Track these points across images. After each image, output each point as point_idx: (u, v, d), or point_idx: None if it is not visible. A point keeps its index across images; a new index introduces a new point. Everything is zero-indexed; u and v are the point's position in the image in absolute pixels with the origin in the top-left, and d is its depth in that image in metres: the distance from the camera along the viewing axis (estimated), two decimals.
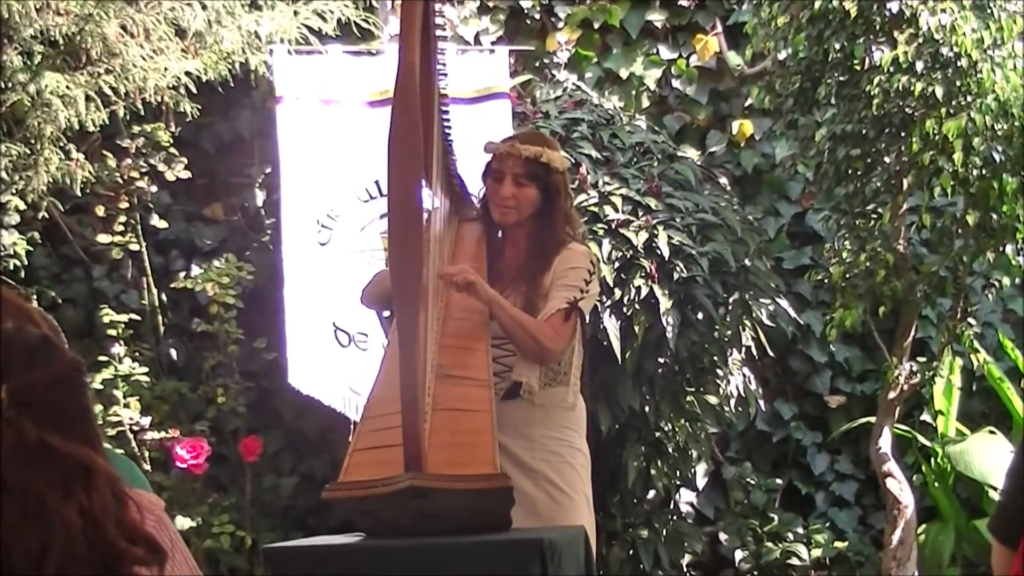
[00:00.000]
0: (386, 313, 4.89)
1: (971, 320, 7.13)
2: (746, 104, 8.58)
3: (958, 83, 6.57)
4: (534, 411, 4.70)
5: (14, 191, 6.94)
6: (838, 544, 8.18)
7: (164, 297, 7.83)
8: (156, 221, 7.80)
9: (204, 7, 6.94)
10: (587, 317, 4.89)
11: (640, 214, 6.78)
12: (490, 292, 4.56)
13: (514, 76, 7.75)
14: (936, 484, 8.05)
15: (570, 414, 4.78)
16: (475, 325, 4.57)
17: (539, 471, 4.68)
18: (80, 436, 2.04)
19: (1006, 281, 7.23)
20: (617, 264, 6.65)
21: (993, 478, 7.44)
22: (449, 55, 4.91)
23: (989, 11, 6.67)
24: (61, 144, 6.94)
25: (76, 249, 7.71)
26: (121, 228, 7.63)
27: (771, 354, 7.57)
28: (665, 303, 6.59)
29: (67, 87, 6.71)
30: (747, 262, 7.00)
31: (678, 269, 6.65)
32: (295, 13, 7.16)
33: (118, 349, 7.44)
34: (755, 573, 8.07)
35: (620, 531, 7.28)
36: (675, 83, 8.63)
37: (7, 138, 6.86)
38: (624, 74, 8.52)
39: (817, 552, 8.10)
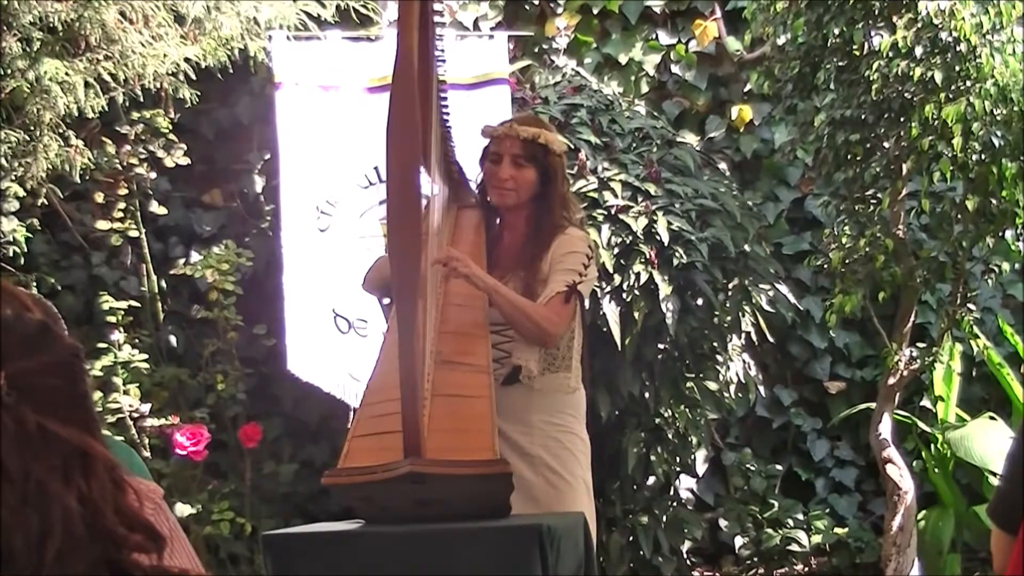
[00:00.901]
0: (386, 300, 4.89)
1: (971, 305, 7.13)
2: (745, 89, 8.58)
3: (957, 68, 6.56)
4: (533, 397, 4.70)
5: (13, 178, 6.93)
6: (838, 530, 8.18)
7: (163, 284, 7.83)
8: (155, 207, 7.80)
9: None
10: (587, 302, 4.89)
11: (639, 200, 6.78)
12: (488, 281, 4.56)
13: (513, 62, 7.75)
14: (936, 470, 8.05)
15: (569, 399, 4.78)
16: (474, 312, 4.58)
17: (538, 457, 4.68)
18: (79, 422, 2.04)
19: (1006, 266, 7.23)
20: (616, 250, 6.65)
21: (993, 464, 7.44)
22: (448, 41, 4.91)
23: None
24: (60, 131, 6.94)
25: (75, 236, 7.71)
26: (120, 215, 7.63)
27: (771, 340, 7.56)
28: (665, 289, 6.59)
29: (66, 74, 6.71)
30: (746, 248, 7.00)
31: (677, 255, 6.65)
32: None
33: (117, 336, 7.44)
34: (755, 559, 8.08)
35: (620, 517, 7.28)
36: (674, 68, 8.62)
37: (6, 125, 6.85)
38: (623, 59, 8.52)
39: (817, 538, 8.11)
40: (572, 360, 4.78)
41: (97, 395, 7.05)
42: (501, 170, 4.79)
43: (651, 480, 7.45)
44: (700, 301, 6.87)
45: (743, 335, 7.18)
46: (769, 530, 8.08)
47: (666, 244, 6.63)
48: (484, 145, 4.89)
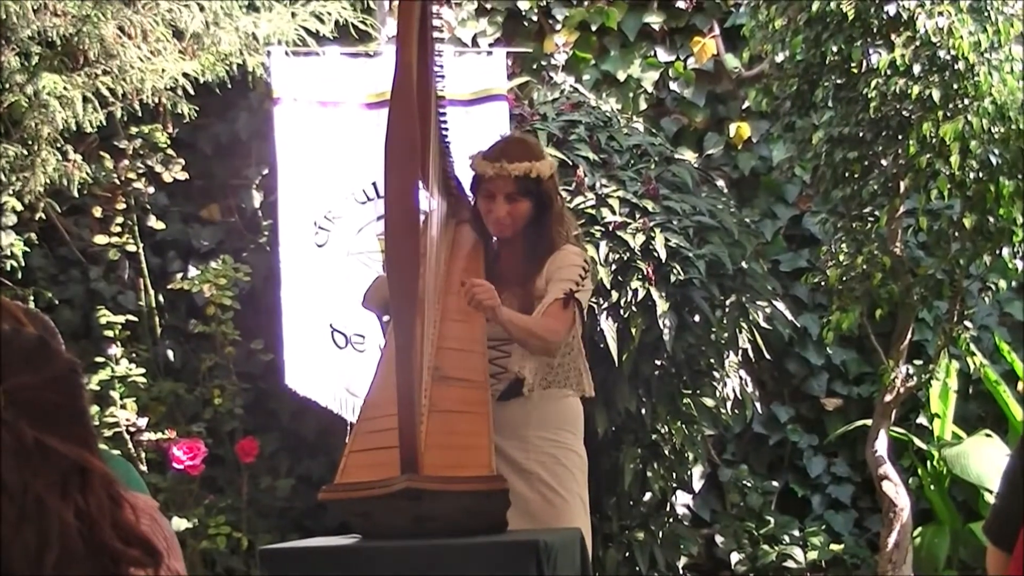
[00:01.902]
0: (386, 318, 4.89)
1: (967, 323, 7.13)
2: (743, 107, 8.57)
3: (955, 86, 6.57)
4: (530, 412, 4.70)
5: (11, 192, 6.93)
6: (834, 547, 8.17)
7: (161, 298, 7.82)
8: (153, 222, 7.79)
9: (202, 8, 6.94)
10: (584, 312, 4.89)
11: (637, 216, 6.78)
12: (504, 314, 4.54)
13: (511, 78, 7.74)
14: (932, 487, 8.05)
15: (567, 415, 4.79)
16: (472, 327, 4.58)
17: (534, 473, 4.68)
18: (77, 438, 2.04)
19: (1003, 284, 7.22)
20: (614, 266, 6.65)
21: (989, 481, 7.44)
22: (446, 57, 4.92)
23: (986, 14, 6.68)
24: (58, 145, 6.94)
25: (73, 250, 7.71)
26: (118, 229, 7.62)
27: (768, 356, 7.54)
28: (662, 305, 6.59)
29: (64, 88, 6.71)
30: (744, 265, 7.00)
31: (675, 271, 6.65)
32: (293, 15, 7.17)
33: (115, 350, 7.44)
34: (751, 575, 8.07)
35: (616, 533, 7.28)
36: (672, 85, 8.63)
37: (4, 139, 6.86)
38: (621, 76, 8.52)
39: (813, 555, 8.10)
40: (570, 372, 4.78)
41: (94, 409, 7.05)
42: (496, 208, 4.79)
43: (647, 496, 7.45)
44: (697, 318, 6.87)
45: (740, 352, 7.18)
46: (765, 546, 8.08)
47: (664, 261, 6.63)
48: (475, 175, 4.88)
